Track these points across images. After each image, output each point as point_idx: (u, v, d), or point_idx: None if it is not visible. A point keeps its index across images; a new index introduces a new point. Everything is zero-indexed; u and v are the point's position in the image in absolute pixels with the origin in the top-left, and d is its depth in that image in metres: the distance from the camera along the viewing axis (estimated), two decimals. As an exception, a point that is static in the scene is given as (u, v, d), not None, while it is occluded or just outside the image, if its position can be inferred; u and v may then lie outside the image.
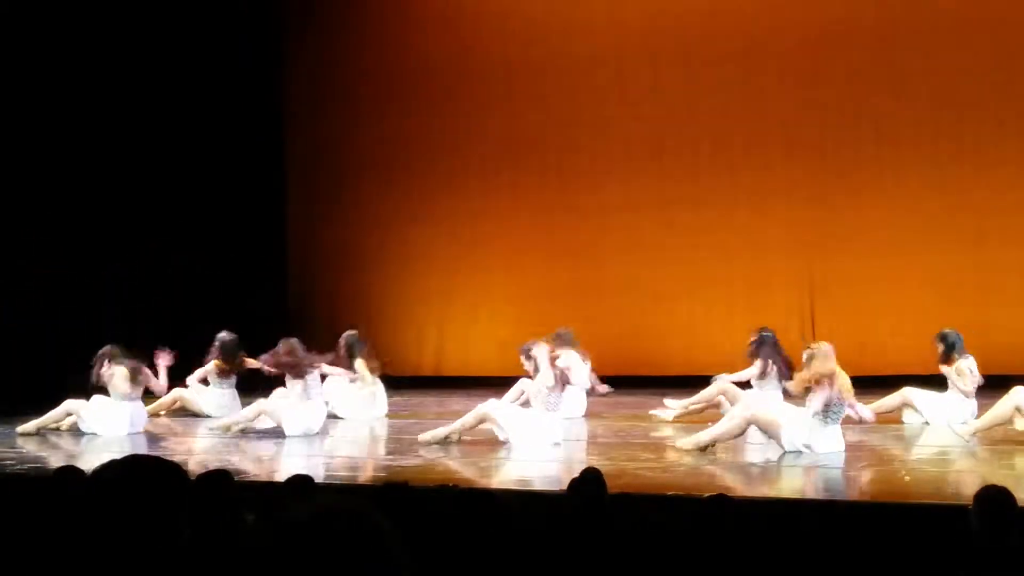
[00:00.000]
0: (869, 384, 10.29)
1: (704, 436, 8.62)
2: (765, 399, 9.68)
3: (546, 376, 9.20)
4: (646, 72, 13.95)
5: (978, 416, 9.33)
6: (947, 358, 9.92)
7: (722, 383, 10.45)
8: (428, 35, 14.83)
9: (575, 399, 11.12)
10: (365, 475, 8.35)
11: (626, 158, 13.99)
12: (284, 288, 14.93)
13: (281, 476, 7.47)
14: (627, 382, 13.04)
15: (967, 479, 7.53)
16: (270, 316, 13.70)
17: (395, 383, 12.51)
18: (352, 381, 11.64)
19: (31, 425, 10.54)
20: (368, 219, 14.97)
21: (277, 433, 10.08)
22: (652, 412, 10.87)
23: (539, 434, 9.16)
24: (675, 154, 13.76)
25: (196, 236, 13.90)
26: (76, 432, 10.47)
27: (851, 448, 8.68)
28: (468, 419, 9.37)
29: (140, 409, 10.73)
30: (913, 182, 12.89)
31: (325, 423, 10.43)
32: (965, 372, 9.86)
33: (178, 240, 13.73)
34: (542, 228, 14.16)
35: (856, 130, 13.14)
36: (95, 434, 10.36)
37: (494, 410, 9.38)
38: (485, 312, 14.36)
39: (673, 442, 9.03)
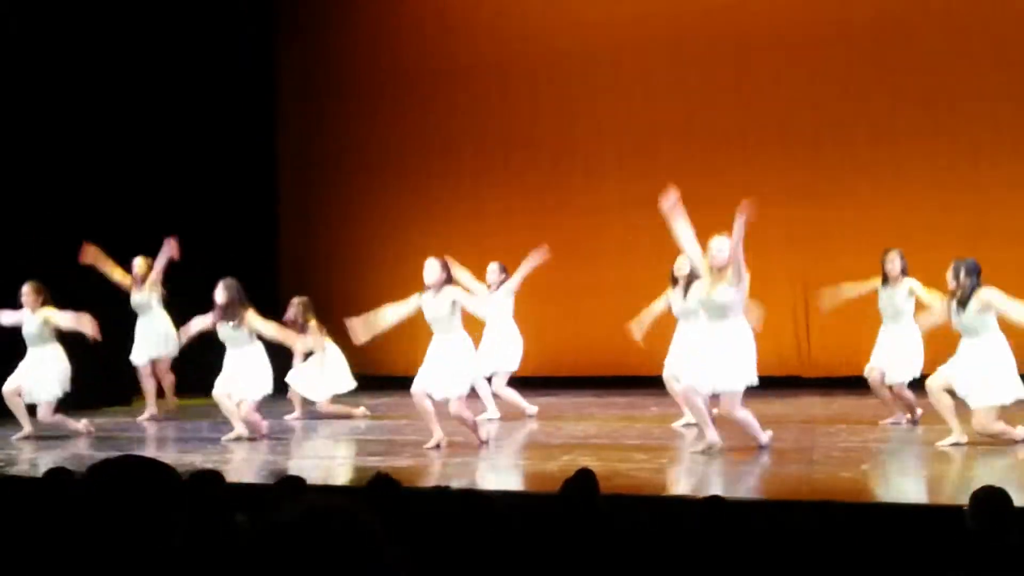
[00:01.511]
0: (867, 384, 10.26)
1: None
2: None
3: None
4: (640, 71, 13.93)
5: None
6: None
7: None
8: (421, 34, 14.80)
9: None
10: (358, 476, 8.32)
11: (620, 157, 13.96)
12: (276, 287, 14.88)
13: (271, 477, 7.44)
14: (621, 382, 13.03)
15: (963, 479, 7.52)
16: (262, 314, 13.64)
17: (387, 383, 12.49)
18: (305, 352, 11.57)
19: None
20: (360, 218, 14.95)
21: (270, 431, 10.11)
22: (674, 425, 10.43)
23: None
24: (670, 153, 13.73)
25: (191, 236, 13.83)
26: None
27: (848, 449, 8.68)
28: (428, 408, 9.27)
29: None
30: (909, 181, 12.86)
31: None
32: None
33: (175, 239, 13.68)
34: (535, 227, 14.11)
35: (852, 129, 13.11)
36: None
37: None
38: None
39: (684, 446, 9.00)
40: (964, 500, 4.83)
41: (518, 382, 11.52)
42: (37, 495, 4.97)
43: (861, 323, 11.20)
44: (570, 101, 14.18)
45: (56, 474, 5.29)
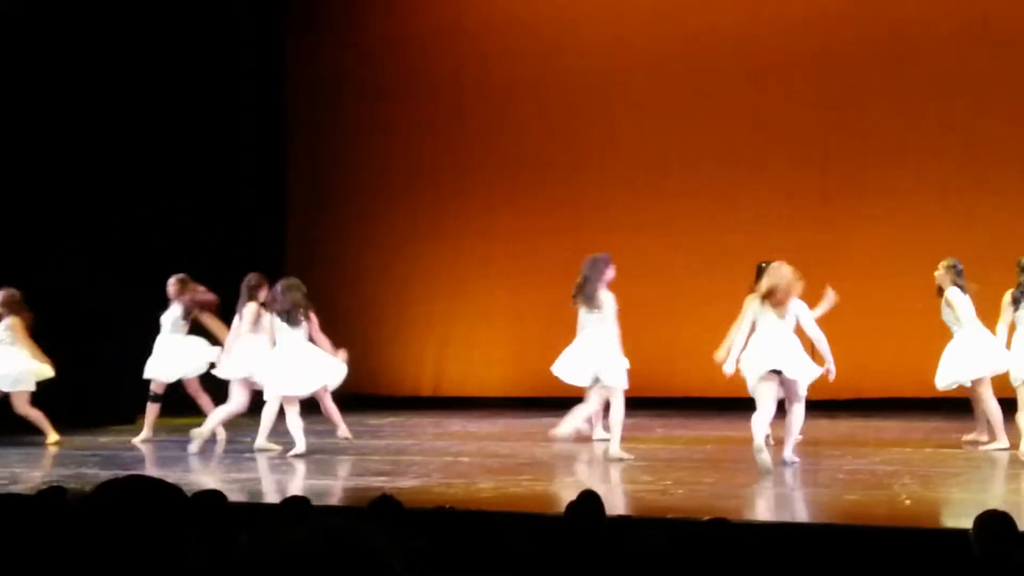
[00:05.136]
0: (873, 406, 10.25)
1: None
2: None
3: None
4: (653, 92, 13.95)
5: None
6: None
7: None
8: (432, 51, 14.80)
9: None
10: (361, 497, 8.30)
11: (631, 177, 13.96)
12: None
13: (275, 497, 7.44)
14: (630, 404, 12.98)
15: (967, 503, 7.49)
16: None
17: (393, 403, 12.47)
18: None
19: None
20: (369, 237, 14.94)
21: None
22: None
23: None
24: (681, 173, 13.75)
25: (197, 250, 13.85)
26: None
27: (852, 472, 8.66)
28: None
29: None
30: (919, 203, 12.87)
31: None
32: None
33: (180, 254, 13.70)
34: (546, 247, 14.10)
35: (862, 151, 13.13)
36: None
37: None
38: (486, 332, 14.31)
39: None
40: (969, 524, 4.82)
41: (524, 402, 11.51)
42: (33, 512, 4.96)
43: (865, 346, 11.21)
44: (581, 120, 14.19)
45: (51, 492, 5.28)
